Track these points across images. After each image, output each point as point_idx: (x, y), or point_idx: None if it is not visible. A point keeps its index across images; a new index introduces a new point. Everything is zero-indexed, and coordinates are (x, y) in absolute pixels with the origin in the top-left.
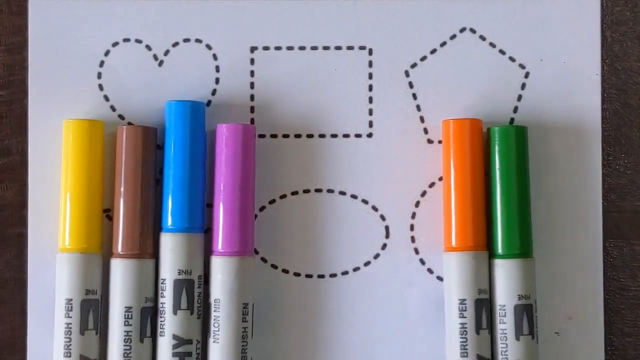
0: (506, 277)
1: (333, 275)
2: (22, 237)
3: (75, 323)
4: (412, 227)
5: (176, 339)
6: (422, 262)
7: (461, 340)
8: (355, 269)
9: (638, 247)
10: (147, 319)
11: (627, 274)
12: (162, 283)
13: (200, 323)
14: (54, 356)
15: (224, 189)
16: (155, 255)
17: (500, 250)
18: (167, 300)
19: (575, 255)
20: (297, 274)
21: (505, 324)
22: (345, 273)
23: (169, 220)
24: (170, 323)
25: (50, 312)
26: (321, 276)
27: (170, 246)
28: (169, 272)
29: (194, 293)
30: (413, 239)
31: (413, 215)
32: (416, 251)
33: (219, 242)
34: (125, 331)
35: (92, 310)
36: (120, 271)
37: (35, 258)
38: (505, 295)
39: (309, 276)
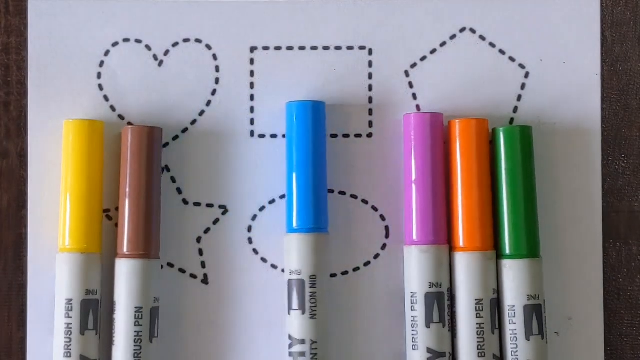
0: (516, 277)
1: (333, 276)
2: (22, 238)
3: (75, 323)
4: None
5: None
6: None
7: (478, 340)
8: (355, 269)
9: (635, 248)
10: (155, 319)
11: (624, 275)
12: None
13: None
14: (54, 356)
15: (416, 180)
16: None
17: (507, 251)
18: None
19: (575, 255)
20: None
21: (515, 325)
22: (345, 273)
23: (294, 222)
24: None
25: (50, 313)
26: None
27: (297, 246)
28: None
29: None
30: None
31: None
32: None
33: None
34: (135, 332)
35: (92, 311)
36: (128, 271)
37: (35, 258)
38: (514, 296)
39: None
